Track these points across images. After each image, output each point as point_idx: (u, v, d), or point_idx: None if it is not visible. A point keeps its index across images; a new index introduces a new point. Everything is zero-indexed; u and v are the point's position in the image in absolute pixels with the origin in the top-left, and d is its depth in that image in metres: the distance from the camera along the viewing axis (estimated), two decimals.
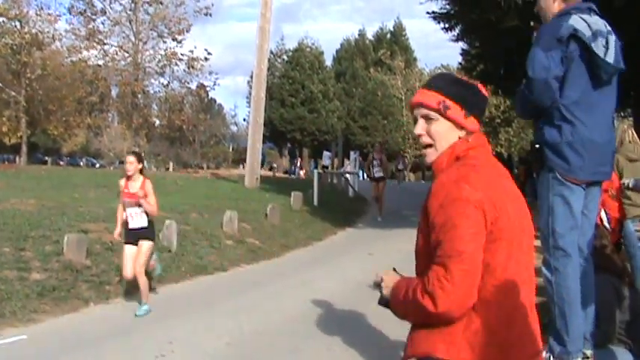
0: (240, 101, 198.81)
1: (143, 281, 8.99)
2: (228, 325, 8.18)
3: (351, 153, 33.96)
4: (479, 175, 2.51)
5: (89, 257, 10.53)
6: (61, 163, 64.99)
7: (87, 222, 12.43)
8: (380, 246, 15.46)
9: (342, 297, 9.60)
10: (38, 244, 10.53)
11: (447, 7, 19.82)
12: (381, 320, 8.08)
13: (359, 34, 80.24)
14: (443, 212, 2.45)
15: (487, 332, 2.44)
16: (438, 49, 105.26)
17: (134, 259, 8.95)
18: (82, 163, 67.72)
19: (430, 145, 2.67)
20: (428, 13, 20.33)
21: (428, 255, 2.50)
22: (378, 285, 2.78)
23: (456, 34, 21.38)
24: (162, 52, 47.95)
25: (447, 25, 20.82)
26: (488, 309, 2.44)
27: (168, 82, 49.29)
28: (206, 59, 48.33)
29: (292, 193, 20.83)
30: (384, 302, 2.76)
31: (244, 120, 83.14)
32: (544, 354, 4.80)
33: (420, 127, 2.67)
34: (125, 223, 9.13)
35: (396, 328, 7.69)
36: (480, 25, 18.78)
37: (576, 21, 4.68)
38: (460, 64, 28.59)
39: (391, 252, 14.56)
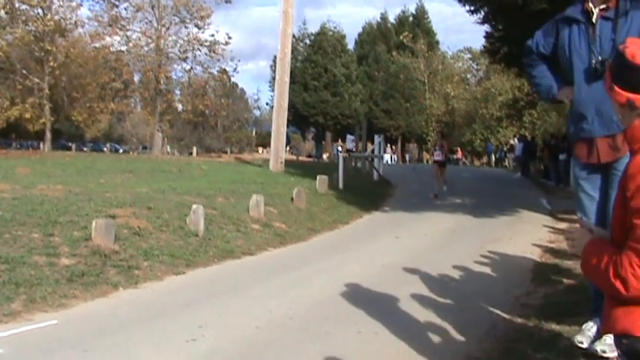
0: (262, 85, 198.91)
1: None
2: (258, 309, 8.15)
3: (375, 137, 33.81)
4: None
5: (117, 242, 10.54)
6: (85, 149, 65.34)
7: (114, 207, 12.44)
8: (406, 229, 15.42)
9: (371, 280, 9.56)
10: (66, 230, 10.56)
11: None
12: (410, 303, 8.07)
13: (381, 18, 79.96)
14: None
15: None
16: (457, 33, 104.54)
17: None
18: (105, 149, 68.10)
19: None
20: None
21: (622, 226, 2.54)
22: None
23: (481, 16, 21.26)
24: (185, 38, 48.11)
25: (472, 8, 20.71)
26: None
27: (191, 68, 49.49)
28: (227, 43, 48.50)
29: (317, 177, 20.78)
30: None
31: (267, 104, 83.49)
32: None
33: None
34: None
35: (425, 311, 7.70)
36: (506, 8, 18.65)
37: None
38: (484, 46, 28.30)
39: (418, 235, 14.54)
